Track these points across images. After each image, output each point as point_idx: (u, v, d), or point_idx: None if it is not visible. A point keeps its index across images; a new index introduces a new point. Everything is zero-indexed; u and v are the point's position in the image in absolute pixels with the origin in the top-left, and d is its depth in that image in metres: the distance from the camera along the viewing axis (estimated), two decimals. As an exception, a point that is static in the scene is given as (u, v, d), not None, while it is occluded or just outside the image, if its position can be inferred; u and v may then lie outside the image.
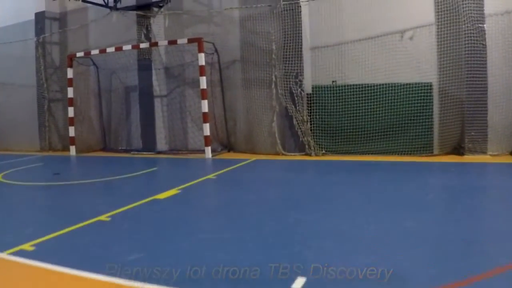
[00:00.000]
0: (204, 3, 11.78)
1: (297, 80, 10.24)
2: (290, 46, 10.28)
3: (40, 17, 13.86)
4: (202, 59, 10.54)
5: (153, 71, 11.91)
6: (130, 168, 9.71)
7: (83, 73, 13.29)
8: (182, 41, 10.94)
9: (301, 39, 10.22)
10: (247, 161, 9.86)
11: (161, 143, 12.12)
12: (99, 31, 13.14)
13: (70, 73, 12.56)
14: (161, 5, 11.85)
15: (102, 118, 13.56)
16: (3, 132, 15.31)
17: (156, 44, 11.45)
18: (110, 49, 11.83)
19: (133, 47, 11.62)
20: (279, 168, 9.10)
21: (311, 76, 10.42)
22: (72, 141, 12.68)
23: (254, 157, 10.40)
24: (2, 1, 15.14)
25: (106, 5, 12.07)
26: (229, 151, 11.57)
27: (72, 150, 12.66)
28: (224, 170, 8.74)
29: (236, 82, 11.41)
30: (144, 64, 12.02)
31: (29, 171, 10.05)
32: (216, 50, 11.41)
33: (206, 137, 10.65)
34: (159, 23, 11.94)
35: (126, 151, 12.73)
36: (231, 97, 11.55)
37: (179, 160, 10.76)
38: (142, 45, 11.52)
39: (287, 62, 10.29)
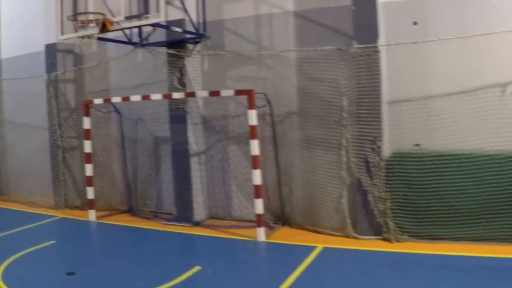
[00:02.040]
0: (251, 39, 10.66)
1: (375, 145, 8.95)
2: (365, 101, 9.00)
3: (51, 50, 12.97)
4: (253, 117, 9.39)
5: (189, 126, 10.83)
6: (163, 263, 8.49)
7: (103, 120, 12.44)
8: (227, 92, 9.86)
9: (380, 93, 8.94)
10: (314, 251, 8.65)
11: (199, 209, 11.11)
12: (122, 70, 12.23)
13: (87, 123, 11.61)
14: (197, 41, 10.75)
15: (126, 173, 12.59)
16: (15, 177, 14.92)
17: (193, 94, 10.39)
18: (136, 97, 10.81)
19: (164, 96, 10.57)
20: (367, 270, 7.75)
21: (389, 138, 9.15)
22: (91, 204, 11.78)
23: (319, 242, 9.15)
24: (9, 28, 14.84)
25: (129, 42, 11.05)
26: (283, 224, 10.42)
27: (92, 215, 11.75)
28: (294, 273, 7.53)
29: (292, 140, 10.27)
30: (178, 115, 10.96)
31: (36, 259, 8.99)
32: (268, 102, 10.25)
33: (258, 216, 9.50)
34: (195, 64, 10.91)
35: (156, 215, 11.83)
36: (286, 158, 10.40)
37: (224, 244, 9.60)
38: (176, 95, 10.45)
39: (362, 121, 9.03)
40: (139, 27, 10.27)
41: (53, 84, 12.97)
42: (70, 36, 10.10)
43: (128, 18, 9.61)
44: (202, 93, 10.31)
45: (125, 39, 11.05)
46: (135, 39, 11.18)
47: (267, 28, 10.53)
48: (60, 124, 12.94)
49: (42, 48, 13.36)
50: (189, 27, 10.59)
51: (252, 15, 10.66)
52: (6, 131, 15.08)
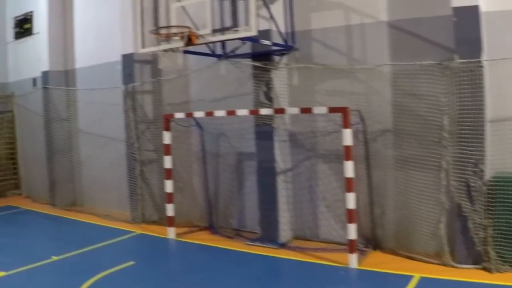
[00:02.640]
0: (341, 51, 10.70)
1: (477, 168, 8.79)
2: (468, 120, 8.86)
3: (128, 60, 13.42)
4: (348, 137, 9.39)
5: (276, 142, 10.91)
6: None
7: (183, 134, 12.75)
8: (320, 110, 9.87)
9: (484, 112, 8.78)
10: (411, 281, 8.58)
11: (285, 229, 11.23)
12: (203, 82, 12.53)
13: (167, 137, 11.90)
14: (284, 53, 10.85)
15: (207, 188, 12.85)
16: (90, 189, 15.61)
17: (282, 111, 10.49)
18: (220, 113, 10.97)
19: (251, 112, 10.72)
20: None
21: (491, 160, 8.96)
22: (170, 222, 12.06)
23: (415, 270, 9.05)
24: (84, 38, 15.55)
25: (212, 54, 11.30)
26: (374, 248, 10.41)
27: (171, 232, 12.02)
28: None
29: (386, 160, 10.24)
30: (264, 131, 11.12)
31: (116, 283, 9.23)
32: (362, 119, 10.25)
33: (351, 242, 9.51)
34: (282, 77, 11.01)
35: (238, 233, 12.03)
36: (379, 178, 10.40)
37: (313, 270, 9.62)
38: (264, 111, 10.56)
39: (464, 142, 8.90)
40: (228, 40, 10.33)
41: (130, 96, 13.38)
42: (152, 49, 10.43)
43: (215, 31, 9.82)
44: (292, 110, 10.35)
45: (207, 51, 11.25)
46: (218, 50, 11.37)
47: (359, 39, 10.53)
48: (138, 136, 13.31)
49: (117, 58, 13.86)
50: (276, 38, 10.68)
51: (343, 25, 10.68)
52: (81, 142, 15.66)
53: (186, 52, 10.47)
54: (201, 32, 9.74)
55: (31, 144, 18.29)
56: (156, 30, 10.06)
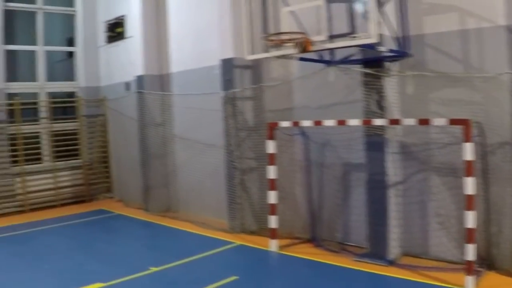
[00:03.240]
0: (456, 57, 10.63)
1: None
2: None
3: (227, 65, 13.79)
4: (469, 151, 9.35)
5: (387, 154, 10.98)
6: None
7: (286, 143, 12.96)
8: (439, 122, 9.87)
9: None
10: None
11: (394, 246, 11.28)
12: (309, 88, 12.69)
13: (271, 146, 12.17)
14: (395, 59, 10.90)
15: (310, 199, 13.08)
16: (186, 195, 16.21)
17: (397, 122, 10.53)
18: (329, 122, 11.17)
19: (364, 122, 10.87)
20: None
21: None
22: (273, 234, 12.33)
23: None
24: (180, 42, 16.11)
25: (320, 60, 11.45)
26: (488, 268, 10.26)
27: (273, 244, 12.28)
28: None
29: (505, 174, 10.12)
30: (375, 141, 11.20)
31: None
32: (482, 131, 10.21)
33: (469, 263, 9.45)
34: (393, 84, 11.06)
35: (343, 247, 12.11)
36: (497, 194, 10.28)
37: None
38: (377, 122, 10.65)
39: None
40: (344, 48, 10.39)
41: (230, 102, 13.69)
42: (262, 56, 10.70)
43: (331, 37, 9.91)
44: (408, 121, 10.31)
45: (315, 57, 11.34)
46: (326, 56, 11.48)
47: (475, 44, 10.43)
48: (238, 144, 13.65)
49: (215, 63, 14.30)
50: (388, 44, 10.65)
51: (458, 30, 10.59)
52: (176, 147, 16.14)
53: (301, 59, 10.66)
54: (315, 39, 9.87)
55: (124, 148, 19.14)
56: (269, 36, 10.24)
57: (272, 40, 10.15)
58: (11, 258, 12.61)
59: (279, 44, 10.14)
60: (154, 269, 11.14)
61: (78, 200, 19.77)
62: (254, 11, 11.09)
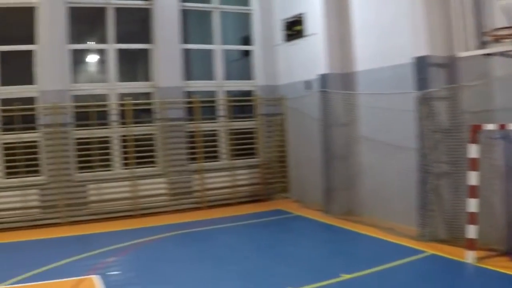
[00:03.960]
0: None
1: None
2: None
3: (421, 63, 13.18)
4: None
5: None
6: None
7: (486, 147, 12.13)
8: None
9: None
10: None
11: None
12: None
13: (474, 151, 11.49)
14: None
15: (510, 209, 12.16)
16: (371, 199, 15.90)
17: None
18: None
19: None
20: None
21: None
22: (471, 245, 11.60)
23: None
24: (365, 39, 15.82)
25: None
26: None
27: (470, 256, 11.54)
28: None
29: None
30: None
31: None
32: None
33: None
34: None
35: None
36: None
37: None
38: None
39: None
40: None
41: (426, 102, 13.11)
42: (478, 52, 10.36)
43: None
44: None
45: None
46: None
47: None
48: (433, 147, 13.06)
49: (405, 61, 13.73)
50: None
51: None
52: (362, 148, 15.79)
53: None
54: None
55: (303, 148, 19.06)
56: (492, 31, 9.70)
57: (495, 36, 9.61)
58: (195, 257, 12.87)
59: (498, 40, 9.58)
60: (346, 276, 10.76)
61: (254, 199, 20.14)
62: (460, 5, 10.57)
